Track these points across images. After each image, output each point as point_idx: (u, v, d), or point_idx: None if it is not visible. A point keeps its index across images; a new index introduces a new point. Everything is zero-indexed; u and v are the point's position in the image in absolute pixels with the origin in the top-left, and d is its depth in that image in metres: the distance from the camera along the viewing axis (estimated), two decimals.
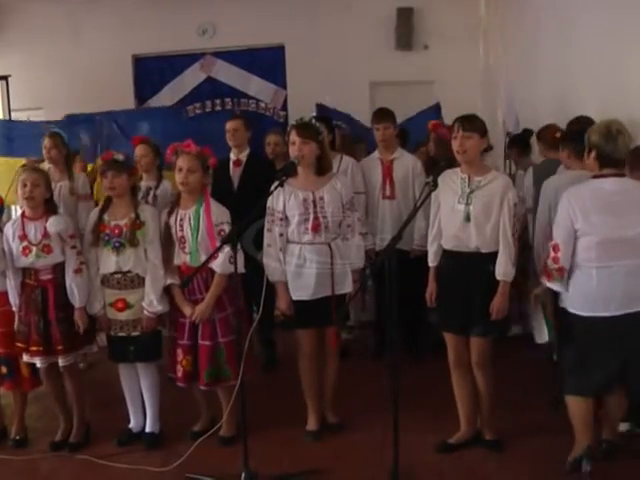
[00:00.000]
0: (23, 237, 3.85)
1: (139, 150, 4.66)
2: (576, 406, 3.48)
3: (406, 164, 5.05)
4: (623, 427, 3.80)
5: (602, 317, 3.30)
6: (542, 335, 3.94)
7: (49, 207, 3.94)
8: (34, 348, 3.87)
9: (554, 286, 3.44)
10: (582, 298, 3.37)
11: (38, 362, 3.92)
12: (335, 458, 3.80)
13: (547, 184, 4.01)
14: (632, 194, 3.33)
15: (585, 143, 3.43)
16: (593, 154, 3.37)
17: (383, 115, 5.09)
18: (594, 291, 3.32)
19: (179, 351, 3.93)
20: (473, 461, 3.71)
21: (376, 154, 5.17)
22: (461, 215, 3.59)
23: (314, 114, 4.18)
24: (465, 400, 3.84)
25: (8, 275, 3.93)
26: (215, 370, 3.89)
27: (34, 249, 3.83)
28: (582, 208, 3.30)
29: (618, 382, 3.42)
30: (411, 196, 5.02)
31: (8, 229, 3.93)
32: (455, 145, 3.59)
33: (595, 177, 3.39)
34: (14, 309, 3.97)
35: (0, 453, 4.00)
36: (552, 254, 3.38)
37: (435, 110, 7.03)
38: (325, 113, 6.52)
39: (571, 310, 3.41)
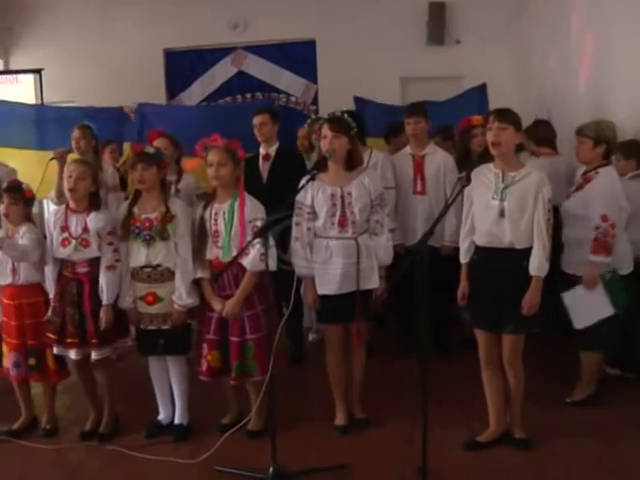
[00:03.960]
0: (65, 228, 3.89)
1: (158, 144, 4.65)
2: (594, 359, 4.21)
3: (438, 160, 5.00)
4: (613, 372, 4.57)
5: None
6: (605, 310, 4.03)
7: (93, 201, 3.97)
8: (69, 340, 3.89)
9: (609, 259, 3.99)
10: (625, 259, 4.16)
11: (73, 354, 3.93)
12: (362, 453, 3.79)
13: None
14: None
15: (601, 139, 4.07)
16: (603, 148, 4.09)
17: (414, 109, 5.03)
18: (625, 252, 4.14)
19: (204, 345, 3.93)
20: (502, 460, 3.67)
21: (408, 149, 5.12)
22: (495, 211, 3.54)
23: (345, 108, 4.12)
24: (495, 398, 3.79)
25: (48, 264, 3.97)
26: (242, 365, 3.88)
27: (73, 242, 3.87)
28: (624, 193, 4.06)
29: None
30: (442, 192, 4.97)
31: (50, 218, 3.98)
32: (490, 136, 3.53)
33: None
34: (49, 298, 3.99)
35: (30, 442, 4.04)
36: (611, 232, 3.94)
37: (481, 91, 6.82)
38: (363, 106, 6.47)
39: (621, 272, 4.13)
